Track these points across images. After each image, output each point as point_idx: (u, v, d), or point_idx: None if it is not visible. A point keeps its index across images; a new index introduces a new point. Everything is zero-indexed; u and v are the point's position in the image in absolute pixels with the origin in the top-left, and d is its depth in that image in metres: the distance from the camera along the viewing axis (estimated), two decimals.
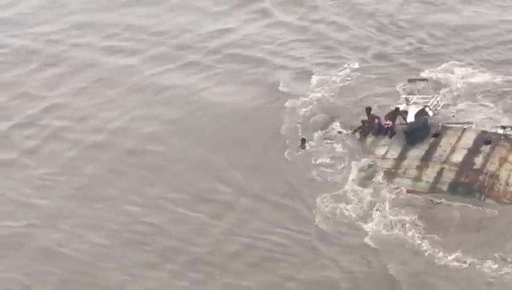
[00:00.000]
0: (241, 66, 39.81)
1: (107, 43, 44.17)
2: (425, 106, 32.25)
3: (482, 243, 25.96)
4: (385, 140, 31.58)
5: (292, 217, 28.55)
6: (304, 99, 35.31)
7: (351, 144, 31.91)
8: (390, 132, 31.64)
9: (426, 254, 25.89)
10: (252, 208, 29.39)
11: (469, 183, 28.50)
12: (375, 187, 29.17)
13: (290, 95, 35.90)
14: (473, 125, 30.86)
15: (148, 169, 32.37)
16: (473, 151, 29.50)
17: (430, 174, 29.28)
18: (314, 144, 32.16)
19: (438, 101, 32.72)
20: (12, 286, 27.43)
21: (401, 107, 32.34)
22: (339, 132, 32.71)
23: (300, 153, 31.79)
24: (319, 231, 27.65)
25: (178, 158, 32.82)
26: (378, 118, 32.22)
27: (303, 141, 32.18)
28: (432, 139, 30.70)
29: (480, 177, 28.56)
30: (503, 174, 28.54)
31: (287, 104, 35.15)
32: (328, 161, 31.13)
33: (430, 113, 31.96)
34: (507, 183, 28.27)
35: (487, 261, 25.17)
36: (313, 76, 37.37)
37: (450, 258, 25.55)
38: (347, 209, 28.30)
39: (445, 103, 33.05)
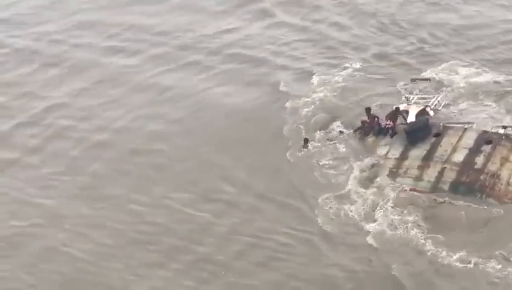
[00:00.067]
0: (242, 66, 39.83)
1: (109, 43, 44.16)
2: (426, 106, 32.29)
3: (486, 243, 25.96)
4: (386, 140, 31.64)
5: (296, 217, 28.59)
6: (306, 99, 35.32)
7: (353, 143, 31.95)
8: (391, 132, 31.71)
9: (429, 253, 25.89)
10: (255, 207, 29.42)
11: (470, 183, 28.59)
12: (378, 187, 29.18)
13: (291, 95, 35.92)
14: (474, 125, 30.89)
15: (152, 168, 32.39)
16: (474, 151, 29.58)
17: (431, 173, 29.35)
18: (316, 144, 32.21)
19: (438, 101, 32.81)
20: (18, 285, 27.44)
21: (402, 107, 32.37)
22: (341, 132, 32.77)
23: (302, 153, 31.86)
24: (322, 230, 27.68)
25: (182, 157, 32.85)
26: (377, 118, 32.30)
27: (305, 141, 32.25)
28: (433, 139, 30.73)
29: (482, 177, 28.64)
30: (504, 173, 28.62)
31: (289, 104, 35.17)
32: (330, 160, 31.18)
33: (431, 113, 32.00)
34: (508, 183, 28.36)
35: (491, 261, 25.15)
36: (314, 76, 37.38)
37: (453, 258, 25.53)
38: (350, 209, 28.32)
39: (446, 102, 33.10)
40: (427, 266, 25.54)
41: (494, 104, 32.97)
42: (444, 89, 34.60)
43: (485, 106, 33.00)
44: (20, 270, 28.01)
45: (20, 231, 29.93)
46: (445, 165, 29.45)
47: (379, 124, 32.17)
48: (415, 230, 26.90)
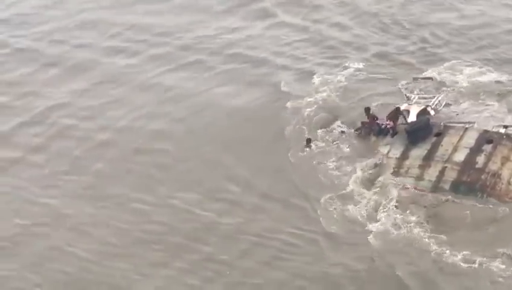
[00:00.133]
0: (244, 66, 39.84)
1: (111, 43, 44.16)
2: (427, 106, 32.36)
3: (491, 242, 25.95)
4: (387, 139, 31.75)
5: (299, 216, 28.65)
6: (307, 99, 35.30)
7: (355, 143, 32.02)
8: (392, 132, 31.82)
9: (433, 253, 25.88)
10: (259, 207, 29.49)
11: (471, 183, 28.66)
12: (381, 187, 29.20)
13: (293, 95, 35.94)
14: (475, 125, 30.97)
15: (156, 167, 32.42)
16: (475, 150, 29.65)
17: (432, 173, 29.42)
18: (319, 143, 32.29)
19: (439, 101, 32.84)
20: (23, 284, 27.54)
21: (403, 107, 32.48)
22: (342, 132, 32.87)
23: (305, 153, 31.94)
24: (325, 230, 27.72)
25: (185, 157, 32.90)
26: (377, 118, 32.40)
27: (308, 141, 32.32)
28: (434, 139, 30.81)
29: (482, 177, 28.71)
30: (505, 173, 28.67)
31: (291, 104, 35.17)
32: (332, 160, 31.20)
33: (432, 112, 32.06)
34: (509, 182, 28.41)
35: (496, 260, 25.16)
36: (315, 76, 37.35)
37: (457, 257, 25.52)
38: (353, 209, 28.37)
39: (447, 102, 33.09)
40: (430, 265, 25.57)
41: (495, 104, 32.94)
42: (445, 88, 34.63)
43: (486, 105, 32.94)
44: (25, 270, 28.07)
45: (24, 230, 30.01)
46: (446, 165, 29.52)
47: (378, 124, 32.29)
48: (419, 229, 26.93)
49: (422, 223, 27.26)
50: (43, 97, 39.16)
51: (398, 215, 27.75)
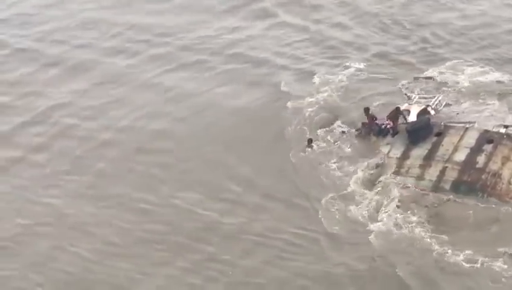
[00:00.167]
0: (244, 66, 39.91)
1: (112, 43, 44.28)
2: (428, 105, 32.48)
3: (493, 242, 25.97)
4: (388, 139, 31.82)
5: (301, 216, 28.73)
6: (308, 99, 35.37)
7: (356, 143, 32.11)
8: (392, 132, 31.86)
9: (435, 253, 25.94)
10: (261, 207, 29.58)
11: (472, 182, 28.71)
12: (382, 186, 29.28)
13: (294, 96, 36.01)
14: (476, 125, 31.00)
15: (158, 167, 32.52)
16: (476, 150, 29.70)
17: (433, 173, 29.49)
18: (320, 143, 32.33)
19: (439, 100, 32.98)
20: (25, 284, 27.62)
21: (404, 107, 32.55)
22: (343, 132, 32.92)
23: (307, 153, 32.00)
24: (327, 230, 27.80)
25: (187, 157, 32.99)
26: (376, 118, 32.45)
27: (309, 141, 32.37)
28: (434, 138, 30.87)
29: (483, 176, 28.76)
30: (505, 173, 28.71)
31: (292, 104, 35.24)
32: (334, 160, 31.27)
33: (432, 112, 32.17)
34: (509, 182, 28.45)
35: (498, 260, 25.19)
36: (317, 76, 37.40)
37: (459, 257, 25.57)
38: (354, 209, 28.45)
39: (447, 102, 33.17)
40: (432, 265, 25.62)
41: (496, 104, 32.92)
42: (446, 88, 34.70)
43: (487, 105, 32.94)
44: (27, 269, 28.16)
45: (26, 229, 30.10)
46: (446, 165, 29.58)
47: (377, 124, 32.36)
48: (420, 229, 26.97)
49: (423, 223, 27.31)
50: (45, 97, 39.24)
51: (399, 215, 27.80)
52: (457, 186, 28.80)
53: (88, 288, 27.19)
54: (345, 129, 33.10)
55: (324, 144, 32.37)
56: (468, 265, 25.33)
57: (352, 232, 27.58)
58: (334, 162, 31.21)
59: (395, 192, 28.87)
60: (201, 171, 31.92)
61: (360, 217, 28.12)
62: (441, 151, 30.23)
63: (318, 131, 33.14)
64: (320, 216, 28.48)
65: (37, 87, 40.30)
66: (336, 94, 35.70)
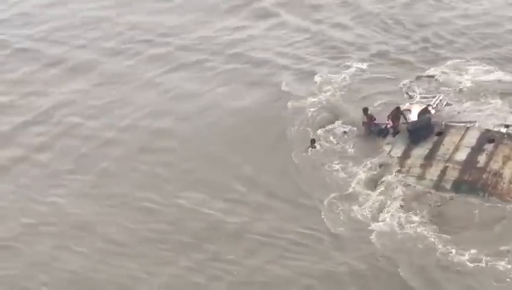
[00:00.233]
0: (246, 66, 39.97)
1: (114, 42, 44.28)
2: (428, 105, 32.63)
3: (496, 241, 26.08)
4: (388, 139, 31.97)
5: (304, 216, 28.82)
6: (310, 99, 35.48)
7: (359, 143, 32.23)
8: (393, 131, 32.00)
9: (438, 252, 26.06)
10: (265, 206, 29.66)
11: (472, 182, 28.87)
12: (385, 186, 29.38)
13: (295, 95, 36.09)
14: (477, 124, 31.11)
15: (161, 166, 32.58)
16: (477, 149, 29.87)
17: (433, 172, 29.63)
18: (322, 143, 32.42)
19: (440, 100, 33.13)
20: (29, 283, 27.64)
21: (405, 106, 32.66)
22: (345, 132, 33.03)
23: (309, 153, 32.10)
24: (330, 230, 27.90)
25: (190, 156, 33.09)
26: (374, 119, 32.57)
27: (313, 141, 32.45)
28: (435, 138, 31.02)
29: (484, 176, 28.92)
30: (506, 172, 28.87)
31: (293, 104, 35.33)
32: (337, 160, 31.37)
33: (433, 111, 32.31)
34: (510, 182, 28.60)
35: (502, 259, 25.30)
36: (318, 76, 37.49)
37: (462, 256, 25.66)
38: (357, 209, 28.56)
39: (449, 101, 33.32)
40: (435, 264, 25.71)
41: (497, 103, 33.05)
42: (448, 88, 34.86)
43: (488, 104, 33.07)
44: (32, 269, 28.17)
45: (30, 229, 30.10)
46: (447, 164, 29.72)
47: (376, 124, 32.48)
48: (423, 229, 27.07)
49: (426, 222, 27.42)
50: (47, 96, 39.23)
51: (402, 214, 27.91)
52: (458, 186, 28.93)
53: (92, 287, 27.21)
54: (347, 129, 33.20)
55: (327, 144, 32.45)
56: (471, 265, 25.43)
57: (356, 231, 27.67)
58: (337, 162, 31.29)
59: (398, 192, 29.00)
60: (204, 171, 31.99)
61: (363, 217, 28.22)
62: (442, 150, 30.36)
63: (320, 131, 33.24)
64: (323, 216, 28.59)
65: (39, 86, 40.28)
66: (338, 94, 35.78)
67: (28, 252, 29.02)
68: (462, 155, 29.89)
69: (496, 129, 30.65)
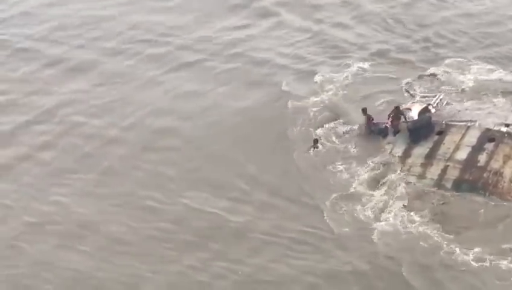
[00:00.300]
0: (247, 66, 39.99)
1: (115, 42, 44.24)
2: (429, 104, 32.76)
3: (500, 240, 26.16)
4: (389, 138, 32.04)
5: (308, 215, 28.89)
6: (312, 98, 35.56)
7: (361, 142, 32.31)
8: (393, 131, 32.08)
9: (441, 251, 26.16)
10: (268, 205, 29.76)
11: (473, 181, 28.99)
12: (387, 185, 29.47)
13: (296, 95, 36.13)
14: (477, 123, 31.26)
15: (165, 165, 32.65)
16: (477, 149, 30.00)
17: (434, 171, 29.72)
18: (324, 143, 32.51)
19: (441, 99, 33.27)
20: (34, 281, 27.68)
21: (405, 105, 32.76)
22: (346, 132, 33.11)
23: (312, 152, 32.20)
24: (333, 229, 27.98)
25: (193, 155, 33.14)
26: (372, 119, 32.67)
27: (315, 141, 32.50)
28: (435, 137, 31.13)
29: (484, 175, 29.05)
30: (507, 171, 28.99)
31: (294, 104, 35.40)
32: (339, 159, 31.44)
33: (433, 110, 32.44)
34: (511, 181, 28.73)
35: (505, 258, 25.40)
36: (320, 75, 37.55)
37: (466, 256, 25.73)
38: (360, 208, 28.65)
39: (449, 100, 33.43)
40: (438, 264, 25.78)
41: (498, 102, 33.16)
42: (449, 87, 35.00)
43: (488, 104, 33.19)
44: (35, 267, 28.19)
45: (34, 228, 30.11)
46: (448, 163, 29.82)
47: (375, 124, 32.60)
48: (426, 228, 27.14)
49: (429, 221, 27.48)
50: (49, 95, 39.16)
51: (405, 214, 27.99)
52: (458, 185, 29.03)
53: (96, 286, 27.24)
54: (349, 128, 33.27)
55: (328, 144, 32.53)
56: (475, 264, 25.49)
57: (359, 231, 27.74)
58: (339, 161, 31.35)
59: (401, 191, 29.08)
60: (207, 170, 32.07)
61: (365, 216, 28.29)
62: (443, 149, 30.46)
63: (322, 130, 33.34)
64: (326, 215, 28.69)
65: (41, 86, 40.23)
66: (339, 93, 35.87)
67: (31, 251, 29.03)
68: (462, 154, 29.99)
69: (496, 128, 30.77)
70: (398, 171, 30.15)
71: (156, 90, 38.72)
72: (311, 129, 33.57)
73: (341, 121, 33.86)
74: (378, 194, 29.23)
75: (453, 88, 34.96)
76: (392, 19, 42.96)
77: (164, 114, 36.44)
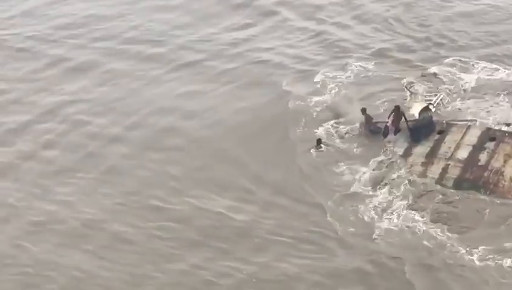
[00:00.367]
0: (247, 65, 40.16)
1: (116, 41, 44.50)
2: (430, 103, 32.90)
3: (503, 239, 26.23)
4: (390, 137, 32.11)
5: (311, 214, 28.93)
6: (313, 98, 35.67)
7: (362, 142, 32.45)
8: (394, 130, 32.17)
9: (444, 251, 26.20)
10: (272, 204, 29.84)
11: (474, 180, 29.09)
12: (390, 184, 29.56)
13: (298, 95, 36.23)
14: (478, 122, 31.42)
15: (169, 164, 32.72)
16: (478, 148, 30.13)
17: (435, 170, 29.80)
18: (326, 142, 32.62)
19: (442, 98, 33.44)
20: (39, 279, 27.66)
21: (405, 105, 32.98)
22: (348, 131, 33.23)
23: (315, 152, 32.29)
24: (336, 228, 28.00)
25: (197, 154, 33.23)
26: (372, 118, 32.80)
27: (319, 141, 32.56)
28: (436, 136, 31.25)
29: (485, 174, 29.17)
30: (507, 170, 29.11)
31: (296, 103, 35.51)
32: (341, 159, 31.52)
33: (433, 109, 32.60)
34: (511, 180, 28.93)
35: (509, 257, 25.42)
36: (320, 74, 37.69)
37: (469, 255, 25.74)
38: (362, 207, 28.73)
39: (450, 99, 33.58)
40: (441, 263, 25.80)
41: (498, 102, 33.29)
42: (449, 86, 35.10)
43: (489, 103, 33.30)
44: (40, 267, 28.22)
45: (38, 227, 30.14)
46: (449, 162, 29.93)
47: (375, 124, 32.71)
48: (429, 227, 27.18)
49: (432, 220, 27.52)
50: (51, 95, 39.27)
51: (408, 213, 28.09)
52: (459, 184, 29.10)
53: (101, 285, 27.24)
54: (350, 128, 33.35)
55: (331, 143, 32.65)
56: (478, 263, 25.51)
57: (362, 230, 27.79)
58: (341, 161, 31.45)
59: (403, 190, 29.19)
60: (211, 169, 32.17)
61: (368, 216, 28.34)
62: (443, 149, 30.57)
63: (324, 130, 33.43)
64: (329, 214, 28.74)
65: (43, 85, 40.30)
66: (340, 93, 35.94)
67: (36, 250, 29.07)
68: (463, 153, 30.11)
69: (497, 127, 30.94)
70: (400, 171, 30.24)
71: (159, 90, 38.84)
72: (313, 128, 33.70)
73: (343, 120, 33.94)
74: (381, 193, 29.33)
75: (454, 87, 35.07)
76: (393, 19, 43.13)
77: (167, 113, 36.54)
